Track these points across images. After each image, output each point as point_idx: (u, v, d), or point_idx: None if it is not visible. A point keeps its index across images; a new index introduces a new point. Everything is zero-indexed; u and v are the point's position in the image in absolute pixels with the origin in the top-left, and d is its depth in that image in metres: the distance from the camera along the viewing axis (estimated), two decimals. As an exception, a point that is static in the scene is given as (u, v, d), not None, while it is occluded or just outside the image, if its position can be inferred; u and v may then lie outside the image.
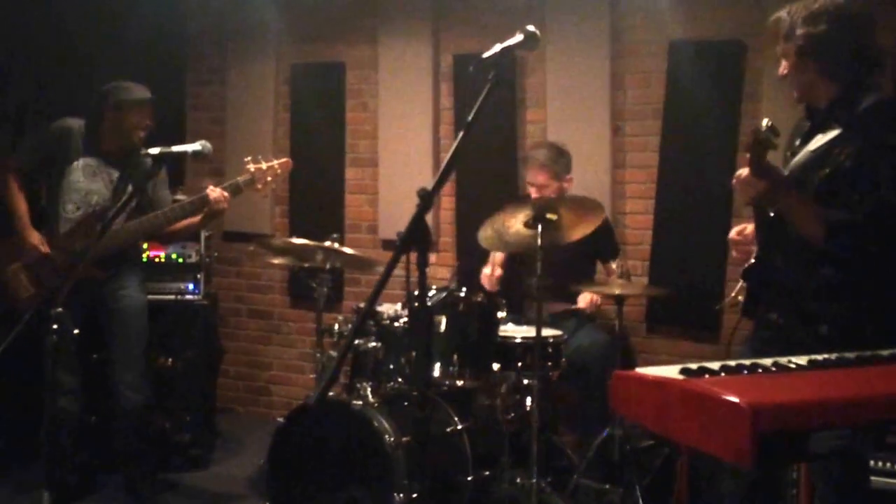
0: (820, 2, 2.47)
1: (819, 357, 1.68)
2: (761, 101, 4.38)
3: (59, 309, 2.51)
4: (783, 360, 1.65)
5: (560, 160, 4.34)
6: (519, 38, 2.25)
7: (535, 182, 4.31)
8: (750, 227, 2.67)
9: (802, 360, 1.64)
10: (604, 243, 4.39)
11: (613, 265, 4.03)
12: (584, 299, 4.33)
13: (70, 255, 3.75)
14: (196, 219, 3.91)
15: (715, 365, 1.61)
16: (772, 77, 4.25)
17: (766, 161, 2.38)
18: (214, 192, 3.79)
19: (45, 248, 3.82)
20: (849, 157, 2.35)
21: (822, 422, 1.35)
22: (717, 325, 4.58)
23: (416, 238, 1.88)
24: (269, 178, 3.94)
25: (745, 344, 2.69)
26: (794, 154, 2.53)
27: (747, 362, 1.67)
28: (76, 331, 2.79)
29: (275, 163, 3.96)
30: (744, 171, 2.45)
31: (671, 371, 1.58)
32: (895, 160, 2.30)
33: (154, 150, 3.09)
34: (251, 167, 3.92)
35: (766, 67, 4.34)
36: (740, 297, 2.64)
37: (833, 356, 1.69)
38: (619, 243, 4.59)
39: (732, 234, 2.72)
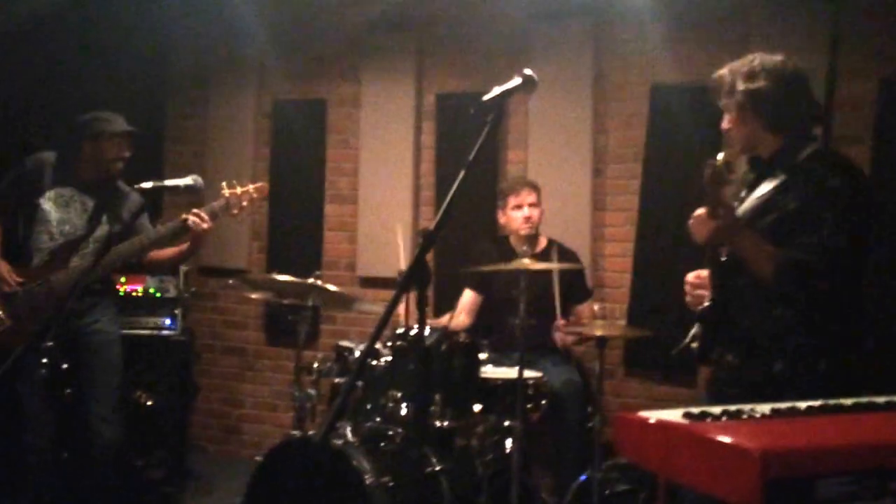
0: (758, 60, 2.59)
1: (816, 403, 1.69)
2: (741, 147, 4.43)
3: (51, 343, 2.46)
4: (782, 405, 1.66)
5: (538, 187, 4.46)
6: (517, 81, 2.28)
7: (527, 201, 4.36)
8: (706, 272, 2.71)
9: (801, 405, 1.65)
10: (575, 287, 4.47)
11: (595, 307, 4.04)
12: (559, 337, 4.33)
13: (45, 287, 3.69)
14: (183, 247, 3.87)
15: (716, 409, 1.62)
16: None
17: (722, 197, 2.43)
18: (195, 215, 3.74)
19: (14, 279, 3.75)
20: (793, 200, 2.43)
21: (830, 468, 1.35)
22: (694, 369, 4.59)
23: (418, 277, 1.87)
24: (244, 203, 3.89)
25: (702, 391, 2.72)
26: (741, 202, 2.58)
27: (746, 407, 1.67)
28: (65, 366, 2.73)
29: (250, 187, 3.92)
30: (700, 210, 2.51)
31: (674, 415, 1.58)
32: (836, 203, 2.38)
33: (146, 185, 3.06)
34: (226, 192, 3.87)
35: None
36: (694, 344, 2.66)
37: (831, 402, 1.70)
38: (590, 287, 4.63)
39: (690, 277, 2.76)
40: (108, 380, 3.93)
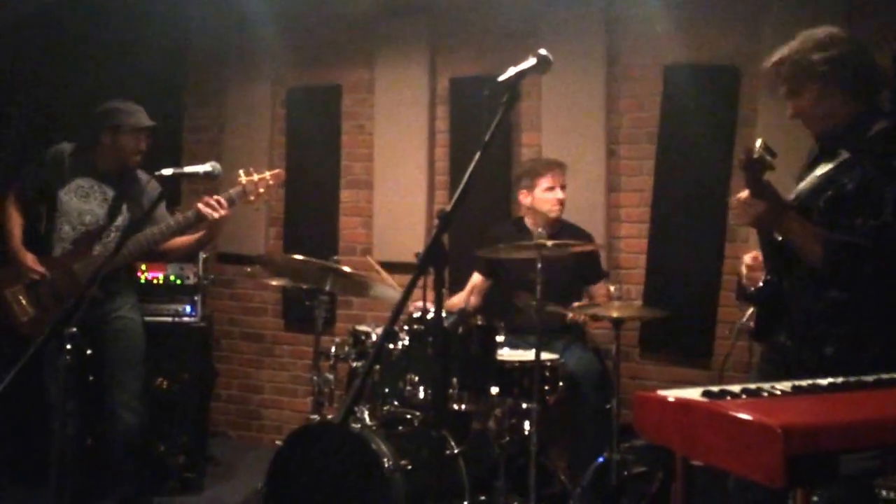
0: (820, 32, 2.54)
1: (837, 379, 1.69)
2: (756, 126, 4.41)
3: (74, 329, 2.49)
4: (803, 382, 1.66)
5: None
6: (532, 61, 2.28)
7: (559, 183, 4.36)
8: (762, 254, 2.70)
9: (822, 381, 1.65)
10: (589, 267, 4.47)
11: (612, 288, 4.04)
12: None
13: (69, 276, 3.73)
14: (199, 234, 3.89)
15: (736, 387, 1.62)
16: (767, 102, 4.33)
17: (764, 182, 2.41)
18: (206, 203, 3.74)
19: (40, 269, 3.80)
20: (853, 180, 2.38)
21: (853, 443, 1.36)
22: (710, 351, 4.59)
23: (434, 259, 1.88)
24: (261, 190, 3.89)
25: (753, 369, 2.71)
26: (800, 179, 2.56)
27: (766, 385, 1.67)
28: (88, 351, 2.75)
29: (267, 174, 3.92)
30: (743, 193, 2.49)
31: (693, 393, 1.58)
32: None
33: (166, 172, 3.08)
34: (243, 179, 3.88)
35: (761, 93, 4.39)
36: (751, 323, 2.66)
37: (852, 379, 1.70)
38: (603, 269, 4.63)
39: (747, 259, 2.73)
40: (132, 367, 3.97)
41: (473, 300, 4.51)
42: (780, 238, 2.50)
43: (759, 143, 2.36)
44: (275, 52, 5.67)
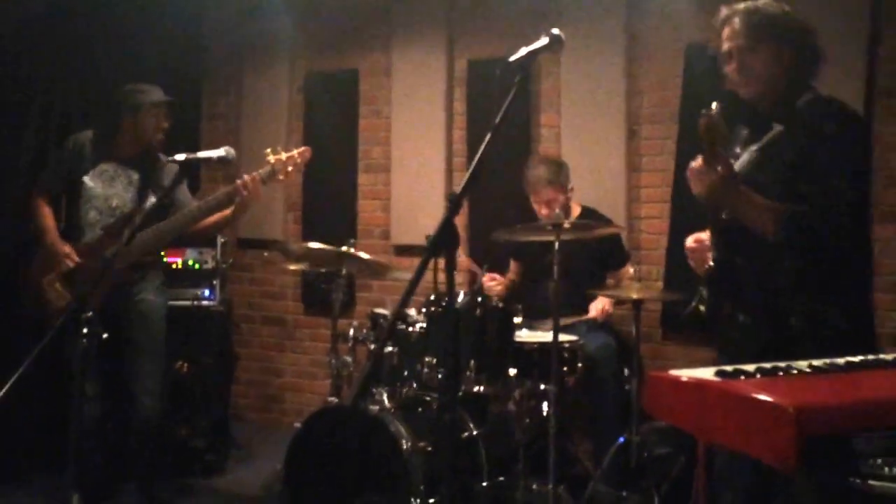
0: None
1: (855, 358, 1.66)
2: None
3: (90, 313, 2.49)
4: (818, 361, 1.63)
5: (561, 172, 4.36)
6: (544, 40, 2.25)
7: (545, 198, 4.30)
8: (705, 235, 2.66)
9: (839, 361, 1.62)
10: (612, 252, 4.44)
11: (630, 269, 4.01)
12: (596, 308, 4.31)
13: (102, 261, 3.69)
14: (226, 212, 3.88)
15: (750, 367, 1.59)
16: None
17: (719, 149, 2.37)
18: (244, 183, 3.75)
19: (75, 257, 3.81)
20: (792, 151, 2.37)
21: (867, 424, 1.33)
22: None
23: (446, 241, 1.86)
24: (290, 168, 3.91)
25: (718, 352, 2.67)
26: (736, 159, 2.52)
27: (782, 364, 1.64)
28: (104, 335, 2.76)
29: (294, 152, 3.94)
30: (697, 161, 2.45)
31: (706, 373, 1.56)
32: (834, 149, 2.33)
33: (180, 157, 3.09)
34: (271, 158, 3.90)
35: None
36: (702, 307, 2.60)
37: (871, 357, 1.67)
38: (627, 251, 4.59)
39: (689, 241, 2.70)
40: (153, 352, 3.98)
41: (499, 288, 4.48)
42: (724, 215, 2.47)
43: (714, 105, 2.33)
44: (292, 37, 5.66)
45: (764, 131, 2.50)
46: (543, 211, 4.31)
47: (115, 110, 3.93)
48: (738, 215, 2.43)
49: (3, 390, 2.20)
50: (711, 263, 2.58)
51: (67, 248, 3.84)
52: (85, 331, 2.52)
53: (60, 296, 3.80)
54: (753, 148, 2.50)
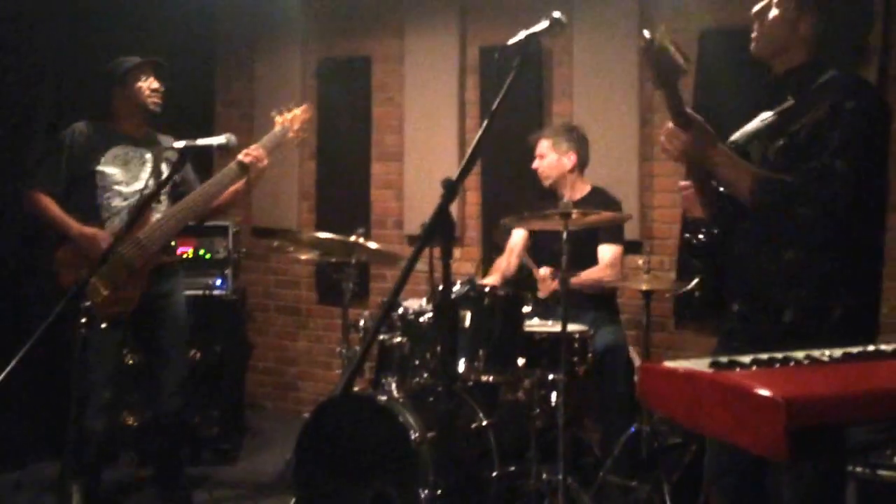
0: None
1: (854, 350, 1.63)
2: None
3: (88, 303, 2.49)
4: (816, 352, 1.60)
5: (564, 135, 4.35)
6: (544, 24, 2.21)
7: (537, 151, 4.38)
8: None
9: (837, 352, 1.59)
10: (608, 230, 4.27)
11: (640, 261, 3.97)
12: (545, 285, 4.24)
13: (136, 246, 3.63)
14: (238, 186, 3.84)
15: (746, 358, 1.56)
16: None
17: (688, 111, 2.27)
18: (246, 154, 3.75)
19: (106, 238, 3.61)
20: (802, 125, 2.26)
21: (859, 415, 1.30)
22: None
23: (440, 229, 1.84)
24: (296, 126, 4.00)
25: (717, 341, 2.58)
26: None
27: (779, 355, 1.61)
28: (103, 325, 2.74)
29: (297, 110, 4.04)
30: (669, 124, 2.33)
31: (701, 364, 1.53)
32: (847, 125, 2.19)
33: (179, 144, 3.08)
34: (278, 119, 3.99)
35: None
36: (697, 293, 2.53)
37: (870, 348, 1.63)
38: (624, 238, 4.39)
39: (683, 182, 2.57)
40: (180, 349, 3.97)
41: (514, 262, 4.47)
42: (721, 189, 2.36)
43: (661, 27, 2.16)
44: (304, 23, 5.66)
45: (778, 101, 2.41)
46: (534, 164, 4.38)
47: (104, 89, 3.88)
48: (715, 175, 2.33)
49: (4, 373, 2.19)
50: (704, 235, 2.51)
51: (97, 234, 3.65)
52: (83, 321, 2.51)
53: (104, 286, 3.58)
54: (760, 118, 2.42)
